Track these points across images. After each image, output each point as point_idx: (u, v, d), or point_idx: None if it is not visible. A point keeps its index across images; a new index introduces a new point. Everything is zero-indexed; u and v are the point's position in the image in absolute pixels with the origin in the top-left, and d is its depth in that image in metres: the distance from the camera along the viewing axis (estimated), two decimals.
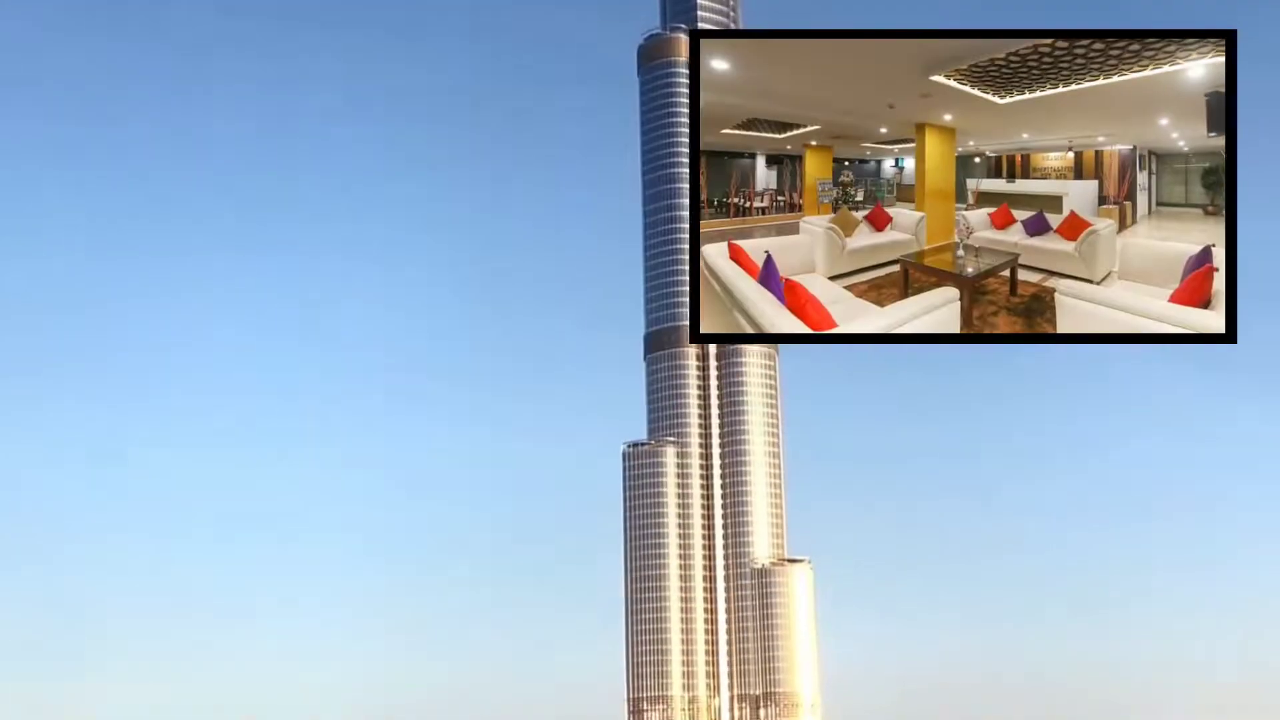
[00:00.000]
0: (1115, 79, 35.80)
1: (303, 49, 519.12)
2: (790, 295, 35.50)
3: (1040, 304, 35.37)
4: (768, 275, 38.15)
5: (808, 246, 43.71)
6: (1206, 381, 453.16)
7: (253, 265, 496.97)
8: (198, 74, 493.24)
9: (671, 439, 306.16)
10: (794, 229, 44.09)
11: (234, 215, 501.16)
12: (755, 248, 40.45)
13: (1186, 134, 35.29)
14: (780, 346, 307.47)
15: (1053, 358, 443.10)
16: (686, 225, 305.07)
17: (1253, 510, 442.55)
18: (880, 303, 35.27)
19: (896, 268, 38.74)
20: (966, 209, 45.92)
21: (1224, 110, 27.01)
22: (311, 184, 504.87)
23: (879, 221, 45.84)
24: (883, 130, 42.20)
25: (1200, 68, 29.52)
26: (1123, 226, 44.55)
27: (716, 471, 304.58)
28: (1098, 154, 45.98)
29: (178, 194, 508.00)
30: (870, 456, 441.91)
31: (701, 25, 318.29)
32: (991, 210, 45.47)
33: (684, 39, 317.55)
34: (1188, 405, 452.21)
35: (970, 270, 40.67)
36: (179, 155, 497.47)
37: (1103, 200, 44.81)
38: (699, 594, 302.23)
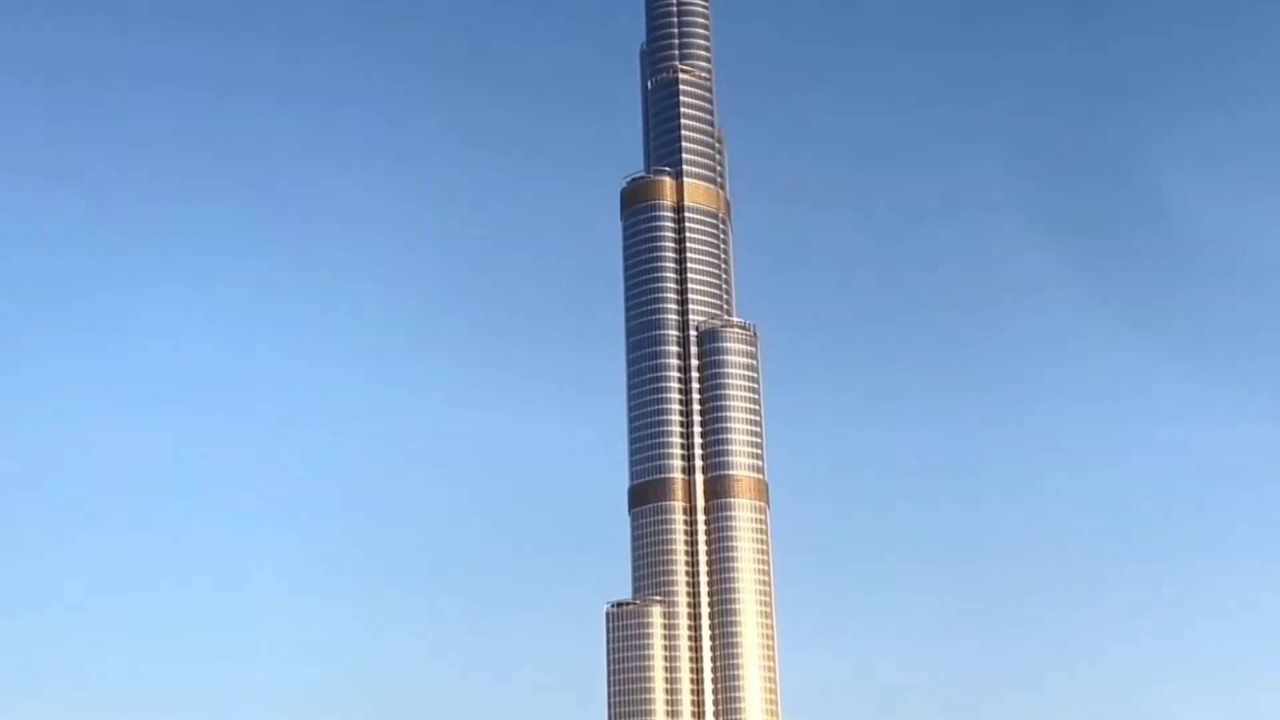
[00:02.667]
0: None
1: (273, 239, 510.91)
2: None
3: None
4: None
5: None
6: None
7: None
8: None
9: (658, 597, 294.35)
10: None
11: None
12: None
13: None
14: (772, 496, 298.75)
15: None
16: (672, 374, 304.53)
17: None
18: None
19: None
20: None
21: None
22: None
23: None
24: None
25: None
26: None
27: (706, 631, 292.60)
28: None
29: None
30: (868, 612, 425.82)
31: (686, 167, 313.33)
32: None
33: (669, 181, 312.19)
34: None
35: None
36: None
37: None
38: None
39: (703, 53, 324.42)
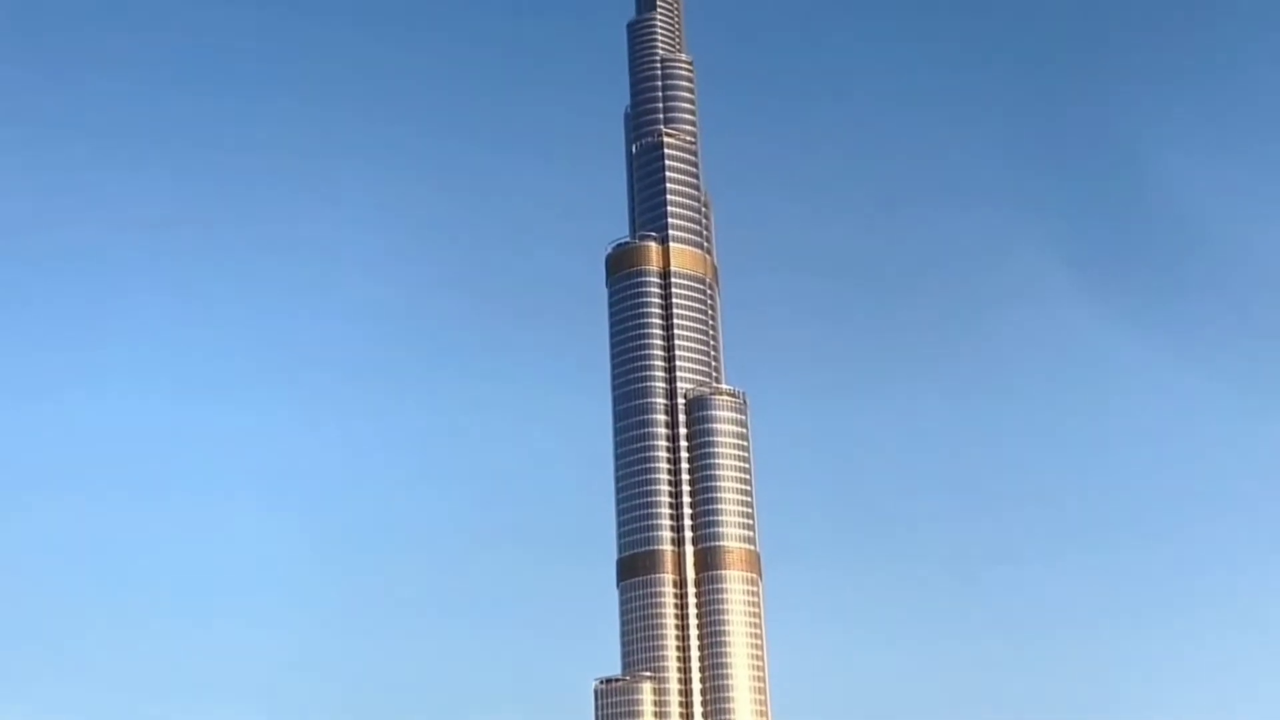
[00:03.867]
0: None
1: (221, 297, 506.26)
2: None
3: None
4: None
5: None
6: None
7: None
8: None
9: (648, 673, 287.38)
10: None
11: None
12: None
13: None
14: (764, 568, 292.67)
15: None
16: (661, 443, 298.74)
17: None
18: None
19: None
20: None
21: None
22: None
23: None
24: None
25: None
26: None
27: (698, 708, 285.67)
28: None
29: None
30: (865, 689, 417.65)
31: (672, 231, 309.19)
32: None
33: (655, 246, 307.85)
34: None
35: None
36: None
37: None
38: None
39: (688, 116, 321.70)
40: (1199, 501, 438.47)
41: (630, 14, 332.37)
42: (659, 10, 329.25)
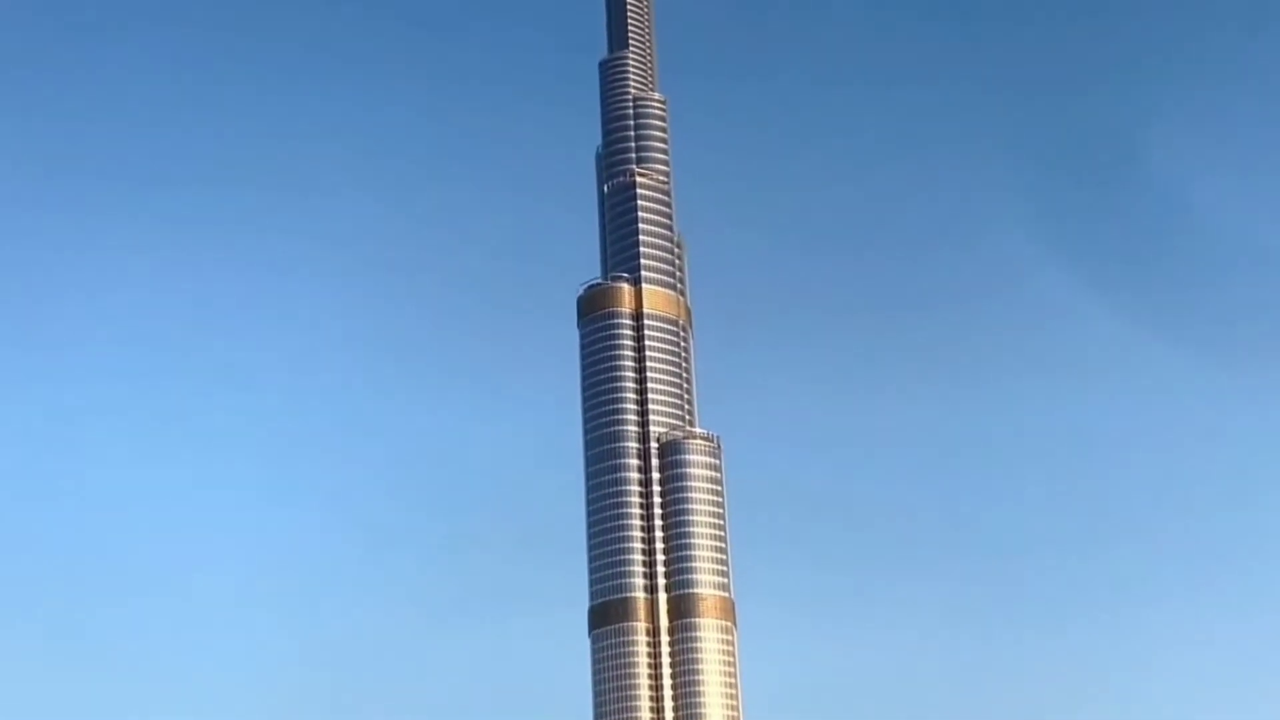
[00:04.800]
0: None
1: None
2: None
3: None
4: None
5: None
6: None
7: None
8: None
9: None
10: None
11: None
12: None
13: None
14: (739, 616, 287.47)
15: None
16: (633, 488, 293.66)
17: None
18: None
19: None
20: None
21: None
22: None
23: None
24: None
25: None
26: None
27: None
28: None
29: None
30: None
31: (645, 273, 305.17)
32: None
33: (627, 288, 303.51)
34: None
35: None
36: None
37: None
38: None
39: (660, 155, 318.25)
40: (1191, 492, 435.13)
41: (602, 52, 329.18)
42: (631, 48, 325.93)
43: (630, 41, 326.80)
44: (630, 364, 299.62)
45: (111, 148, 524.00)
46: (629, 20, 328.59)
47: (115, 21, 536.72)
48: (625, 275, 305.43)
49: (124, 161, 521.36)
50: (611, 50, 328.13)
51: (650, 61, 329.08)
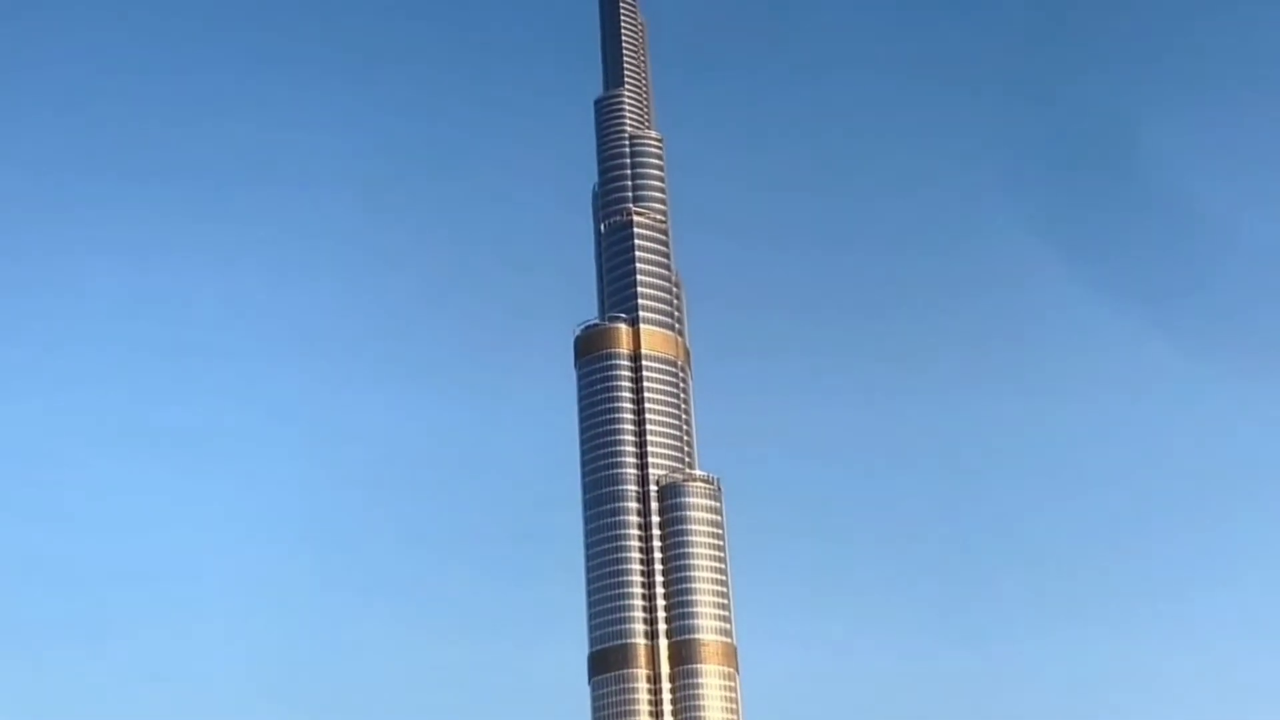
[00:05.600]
0: None
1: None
2: None
3: None
4: None
5: None
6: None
7: None
8: None
9: None
10: None
11: None
12: None
13: None
14: (741, 661, 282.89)
15: None
16: (632, 531, 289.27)
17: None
18: None
19: None
20: None
21: None
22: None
23: None
24: None
25: None
26: None
27: None
28: None
29: None
30: None
31: (643, 313, 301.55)
32: None
33: (624, 328, 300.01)
34: None
35: None
36: None
37: None
38: None
39: (657, 194, 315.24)
40: (1190, 492, 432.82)
41: (598, 90, 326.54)
42: (627, 86, 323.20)
43: (626, 79, 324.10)
44: (629, 406, 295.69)
45: (97, 143, 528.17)
46: (624, 58, 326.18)
47: (102, 18, 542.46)
48: (623, 315, 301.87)
49: (111, 158, 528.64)
50: (607, 88, 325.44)
51: (646, 100, 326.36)
